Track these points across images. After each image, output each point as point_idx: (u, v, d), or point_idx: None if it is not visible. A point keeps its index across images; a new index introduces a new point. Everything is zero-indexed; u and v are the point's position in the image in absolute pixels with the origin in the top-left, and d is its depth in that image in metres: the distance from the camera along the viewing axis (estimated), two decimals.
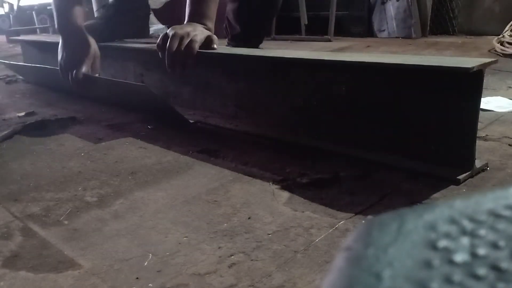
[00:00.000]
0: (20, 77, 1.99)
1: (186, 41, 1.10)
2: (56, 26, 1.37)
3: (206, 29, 1.17)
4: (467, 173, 0.76)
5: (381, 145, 0.87)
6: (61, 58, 1.32)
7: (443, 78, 0.77)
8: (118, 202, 0.77)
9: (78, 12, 1.33)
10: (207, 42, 1.13)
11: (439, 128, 0.79)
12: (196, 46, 1.10)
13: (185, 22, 1.20)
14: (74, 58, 1.29)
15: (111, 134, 1.15)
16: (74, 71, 1.27)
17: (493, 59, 0.75)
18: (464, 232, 0.14)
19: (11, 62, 1.99)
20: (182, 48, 1.09)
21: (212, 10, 1.22)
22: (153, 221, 0.70)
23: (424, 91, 0.80)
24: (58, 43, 1.36)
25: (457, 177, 0.75)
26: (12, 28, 4.21)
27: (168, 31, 1.13)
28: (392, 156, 0.85)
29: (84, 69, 1.27)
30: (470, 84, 0.73)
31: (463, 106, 0.75)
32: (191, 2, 1.22)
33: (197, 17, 1.19)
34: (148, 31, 1.66)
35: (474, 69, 0.70)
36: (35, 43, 2.07)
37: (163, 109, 1.22)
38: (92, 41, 1.33)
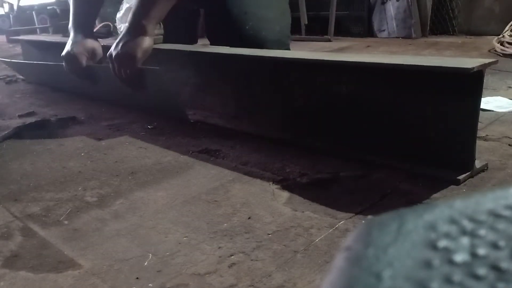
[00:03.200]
0: (20, 76, 1.99)
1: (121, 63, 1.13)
2: (70, 23, 1.41)
3: (144, 31, 1.13)
4: (467, 174, 0.76)
5: (382, 145, 0.87)
6: (65, 51, 1.35)
7: (443, 79, 0.77)
8: (118, 202, 0.77)
9: (92, 17, 1.43)
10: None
11: (439, 128, 0.79)
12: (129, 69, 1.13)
13: (127, 24, 1.16)
14: (76, 52, 1.32)
15: (111, 134, 1.15)
16: (77, 63, 1.32)
17: (493, 60, 0.74)
18: (464, 232, 0.14)
19: (12, 60, 1.99)
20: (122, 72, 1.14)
21: (159, 9, 1.15)
22: (153, 221, 0.70)
23: (424, 91, 0.80)
24: (58, 42, 1.37)
25: (457, 178, 0.75)
26: (12, 28, 4.21)
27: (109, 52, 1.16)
28: (392, 156, 0.84)
29: (84, 60, 1.31)
30: (470, 84, 0.73)
31: (463, 106, 0.75)
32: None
33: (139, 18, 1.14)
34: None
35: (474, 70, 0.70)
36: (35, 43, 2.07)
37: (167, 99, 1.21)
38: (97, 44, 1.38)
